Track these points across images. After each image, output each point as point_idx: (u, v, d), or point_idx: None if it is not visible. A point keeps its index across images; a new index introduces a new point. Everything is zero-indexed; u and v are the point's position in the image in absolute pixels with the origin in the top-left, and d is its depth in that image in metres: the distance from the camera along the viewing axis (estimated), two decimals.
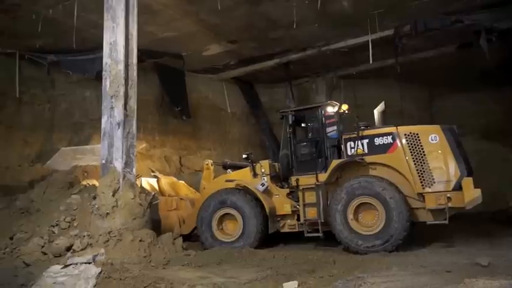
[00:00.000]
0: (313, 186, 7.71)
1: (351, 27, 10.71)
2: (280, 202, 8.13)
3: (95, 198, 6.37)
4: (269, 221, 7.83)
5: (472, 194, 6.88)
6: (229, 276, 5.42)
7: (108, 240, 5.84)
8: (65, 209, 6.65)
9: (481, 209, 12.07)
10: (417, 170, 7.22)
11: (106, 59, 6.84)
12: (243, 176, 8.51)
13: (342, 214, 7.21)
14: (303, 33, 11.06)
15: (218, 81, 14.38)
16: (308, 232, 7.72)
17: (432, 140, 7.24)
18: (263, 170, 8.32)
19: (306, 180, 7.86)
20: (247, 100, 14.53)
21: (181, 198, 9.07)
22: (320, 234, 7.57)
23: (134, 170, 6.74)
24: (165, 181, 9.71)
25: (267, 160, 8.66)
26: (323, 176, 7.67)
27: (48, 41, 10.63)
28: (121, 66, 6.72)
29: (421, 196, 7.24)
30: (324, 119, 8.15)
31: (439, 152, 7.17)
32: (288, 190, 8.24)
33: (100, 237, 5.89)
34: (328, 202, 7.59)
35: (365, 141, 7.59)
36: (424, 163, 7.21)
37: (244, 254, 6.98)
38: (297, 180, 7.95)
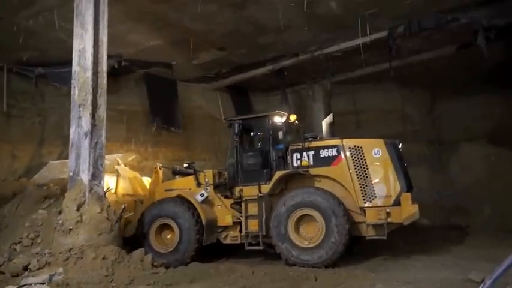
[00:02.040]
0: (256, 197, 7.57)
1: (342, 29, 10.28)
2: (222, 213, 7.99)
3: (60, 213, 6.03)
4: (205, 232, 7.57)
5: (409, 210, 6.78)
6: None
7: (68, 258, 5.48)
8: (30, 225, 6.33)
9: (489, 218, 11.49)
10: (360, 184, 7.14)
11: (75, 67, 6.58)
12: (186, 185, 8.37)
13: (281, 226, 7.07)
14: (294, 38, 10.70)
15: (212, 90, 14.09)
16: (249, 244, 7.53)
17: (375, 154, 7.20)
18: (207, 180, 8.17)
19: (250, 191, 7.73)
20: (236, 110, 14.16)
21: (134, 200, 8.71)
22: (261, 247, 7.39)
23: (103, 182, 6.40)
24: (125, 178, 9.20)
25: (211, 169, 8.49)
26: (266, 187, 7.56)
27: (34, 53, 10.49)
28: (89, 74, 6.43)
29: (363, 210, 7.13)
30: (270, 129, 8.02)
31: (381, 166, 7.14)
32: (232, 200, 8.04)
33: (60, 255, 5.54)
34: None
35: (311, 153, 7.52)
36: (366, 177, 7.13)
37: (221, 270, 6.55)
38: (241, 190, 7.82)
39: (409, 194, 6.92)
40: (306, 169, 7.45)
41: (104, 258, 5.59)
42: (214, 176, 8.21)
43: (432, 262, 6.72)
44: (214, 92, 14.15)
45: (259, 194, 7.52)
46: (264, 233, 7.29)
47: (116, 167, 9.15)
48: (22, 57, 10.78)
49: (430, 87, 14.13)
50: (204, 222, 7.56)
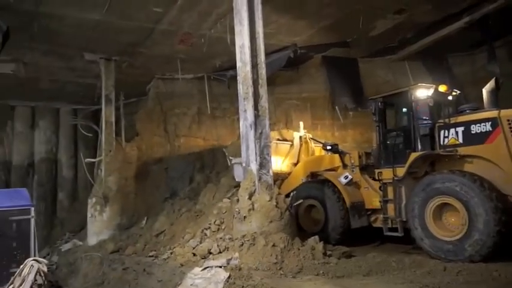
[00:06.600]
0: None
1: None
2: (369, 195, 7.72)
3: (238, 201, 6.45)
4: (350, 215, 7.45)
5: None
6: None
7: (242, 244, 5.77)
8: (217, 212, 7.01)
9: None
10: None
11: (238, 63, 6.89)
12: (334, 163, 8.39)
13: (419, 214, 6.33)
14: None
15: (399, 61, 12.66)
16: (389, 230, 7.03)
17: None
18: (352, 161, 8.03)
19: (388, 173, 7.14)
20: (431, 78, 12.18)
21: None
22: (399, 234, 6.80)
23: (271, 171, 6.50)
24: (297, 147, 9.27)
25: (358, 150, 8.32)
26: (402, 171, 6.85)
27: (224, 58, 11.70)
28: (248, 67, 6.62)
29: None
30: (413, 104, 7.03)
31: None
32: (379, 183, 7.51)
33: (236, 241, 5.90)
34: None
35: (460, 129, 6.42)
36: None
37: (405, 263, 5.68)
38: (380, 173, 7.33)
39: None
40: (450, 149, 6.41)
41: (273, 246, 5.65)
42: (360, 157, 8.02)
43: None
44: (402, 63, 12.68)
45: (395, 178, 6.92)
46: (404, 219, 6.71)
47: (294, 133, 9.50)
48: (215, 64, 12.27)
49: None
50: (347, 204, 7.49)
